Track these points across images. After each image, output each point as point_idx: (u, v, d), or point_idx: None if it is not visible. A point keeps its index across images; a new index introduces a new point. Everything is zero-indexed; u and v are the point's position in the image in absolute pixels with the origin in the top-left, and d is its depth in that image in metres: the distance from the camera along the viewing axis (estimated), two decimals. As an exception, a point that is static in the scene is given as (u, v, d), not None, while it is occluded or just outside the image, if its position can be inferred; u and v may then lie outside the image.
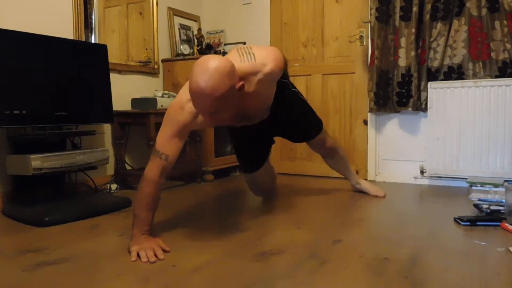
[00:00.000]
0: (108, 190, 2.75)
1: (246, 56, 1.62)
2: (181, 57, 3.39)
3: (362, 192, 2.60)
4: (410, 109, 2.92)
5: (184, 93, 1.63)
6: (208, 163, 3.19)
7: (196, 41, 3.54)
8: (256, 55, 1.63)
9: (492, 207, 2.03)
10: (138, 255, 1.49)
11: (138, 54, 3.20)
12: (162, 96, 2.93)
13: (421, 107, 2.92)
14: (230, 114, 1.57)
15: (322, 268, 1.39)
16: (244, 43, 3.65)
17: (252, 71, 1.60)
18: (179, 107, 1.63)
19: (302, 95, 2.30)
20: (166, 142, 1.61)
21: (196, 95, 1.43)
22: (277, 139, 2.44)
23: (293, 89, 2.23)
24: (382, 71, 2.99)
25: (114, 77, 2.89)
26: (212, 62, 1.42)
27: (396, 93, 2.95)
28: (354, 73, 3.26)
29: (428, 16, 2.83)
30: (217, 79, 1.39)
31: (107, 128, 2.90)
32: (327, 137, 2.38)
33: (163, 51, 3.42)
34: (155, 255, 1.49)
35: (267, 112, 2.01)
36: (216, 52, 3.58)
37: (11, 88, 2.11)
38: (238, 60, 1.60)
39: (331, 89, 3.36)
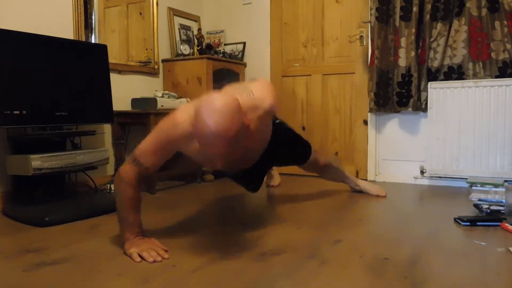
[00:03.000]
0: (108, 190, 2.75)
1: (244, 92, 1.54)
2: (181, 57, 3.39)
3: (361, 192, 2.60)
4: (410, 109, 2.92)
5: (181, 114, 1.53)
6: (208, 163, 3.18)
7: (196, 41, 3.54)
8: (252, 90, 1.56)
9: (492, 207, 2.03)
10: (140, 256, 1.49)
11: (138, 54, 3.20)
12: (162, 96, 2.93)
13: (421, 107, 2.92)
14: (239, 156, 1.47)
15: (322, 268, 1.39)
16: (244, 43, 3.65)
17: (253, 107, 1.52)
18: (173, 124, 1.52)
19: (286, 124, 2.23)
20: (149, 154, 1.53)
21: (208, 138, 1.30)
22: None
23: (276, 121, 2.12)
24: (382, 71, 2.99)
25: (114, 77, 2.89)
26: (218, 100, 1.32)
27: (396, 93, 2.95)
28: (354, 73, 3.26)
29: (428, 16, 2.83)
30: (228, 118, 1.29)
31: (107, 128, 2.90)
32: (318, 157, 2.33)
33: (163, 51, 3.42)
34: (159, 255, 1.50)
35: (260, 154, 1.91)
36: (216, 52, 3.58)
37: (11, 88, 2.11)
38: (238, 94, 1.49)
39: (331, 89, 3.36)
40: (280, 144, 2.04)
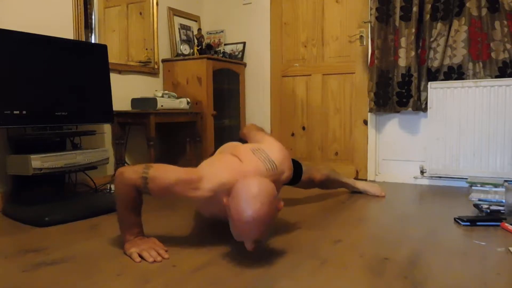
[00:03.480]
0: (108, 190, 2.75)
1: (268, 164, 1.59)
2: (181, 57, 3.39)
3: (361, 192, 2.60)
4: (410, 109, 2.92)
5: (208, 180, 1.49)
6: (208, 163, 3.18)
7: (196, 41, 3.54)
8: (275, 162, 1.61)
9: (492, 207, 2.03)
10: (140, 256, 1.49)
11: (138, 54, 3.20)
12: (162, 96, 2.94)
13: (421, 107, 2.92)
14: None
15: (322, 268, 1.39)
16: (244, 43, 3.65)
17: (275, 180, 1.59)
18: (195, 187, 1.48)
19: None
20: (159, 186, 1.48)
21: (247, 224, 1.34)
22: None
23: None
24: (382, 71, 2.99)
25: (114, 77, 2.89)
26: (256, 187, 1.38)
27: (396, 93, 2.95)
28: (354, 73, 3.26)
29: (428, 16, 2.83)
30: (267, 206, 1.35)
31: (107, 128, 2.90)
32: (312, 174, 2.31)
33: (163, 51, 3.42)
34: (159, 255, 1.50)
35: None
36: (216, 52, 3.58)
37: (11, 88, 2.11)
38: (263, 166, 1.57)
39: (331, 89, 3.36)
40: None
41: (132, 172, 1.52)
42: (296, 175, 2.19)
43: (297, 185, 2.25)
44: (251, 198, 1.34)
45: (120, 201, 1.56)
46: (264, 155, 1.62)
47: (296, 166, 2.21)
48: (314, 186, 2.37)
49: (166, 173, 1.50)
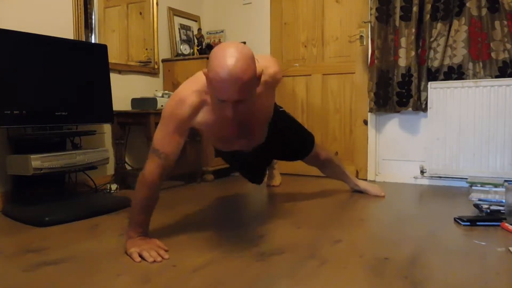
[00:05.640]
0: (108, 190, 2.75)
1: None
2: (181, 57, 3.39)
3: (361, 192, 2.60)
4: (410, 109, 2.92)
5: (186, 87, 1.57)
6: (208, 163, 3.19)
7: (196, 41, 3.54)
8: (258, 59, 1.58)
9: (492, 207, 2.03)
10: (140, 256, 1.49)
11: (138, 54, 3.20)
12: (162, 96, 2.93)
13: (421, 107, 2.92)
14: (247, 113, 1.49)
15: (322, 268, 1.39)
16: (244, 43, 3.65)
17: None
18: (178, 100, 1.54)
19: (289, 113, 2.27)
20: (165, 140, 1.54)
21: (224, 80, 1.32)
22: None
23: (281, 109, 2.16)
24: (382, 71, 2.99)
25: (114, 77, 2.89)
26: (234, 46, 1.37)
27: (396, 93, 2.95)
28: (354, 73, 3.26)
29: (428, 16, 2.83)
30: (244, 61, 1.34)
31: (107, 128, 2.90)
32: (320, 150, 2.36)
33: (163, 51, 3.42)
34: (160, 255, 1.50)
35: (264, 135, 1.92)
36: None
37: (11, 88, 2.11)
38: None
39: (331, 89, 3.36)
40: (283, 129, 2.07)
41: (148, 165, 1.57)
42: (308, 145, 2.27)
43: (304, 158, 2.30)
44: (227, 55, 1.33)
45: (135, 198, 1.60)
46: None
47: (309, 136, 2.29)
48: (318, 163, 2.41)
49: (159, 128, 1.57)
